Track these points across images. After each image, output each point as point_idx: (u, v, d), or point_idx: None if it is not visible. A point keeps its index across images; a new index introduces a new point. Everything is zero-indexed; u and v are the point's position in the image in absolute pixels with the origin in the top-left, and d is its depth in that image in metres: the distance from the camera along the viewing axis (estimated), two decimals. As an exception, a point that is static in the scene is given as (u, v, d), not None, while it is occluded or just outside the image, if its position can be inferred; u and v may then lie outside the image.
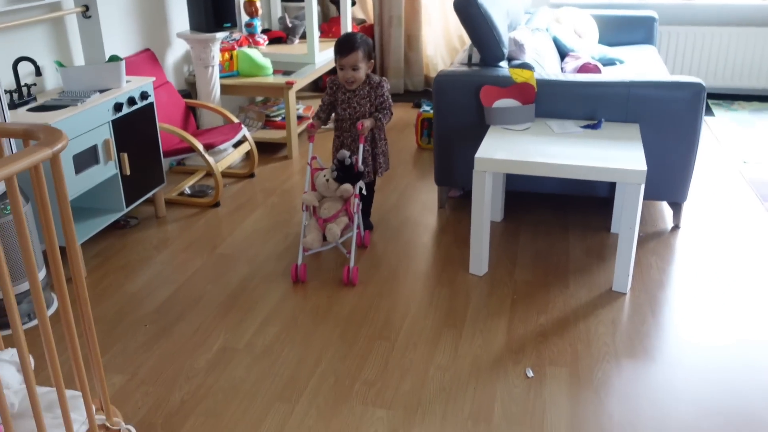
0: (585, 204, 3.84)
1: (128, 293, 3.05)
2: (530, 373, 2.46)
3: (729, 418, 2.24)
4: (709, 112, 5.51)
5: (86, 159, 3.13)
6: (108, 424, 2.06)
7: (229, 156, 4.18)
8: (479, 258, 3.11)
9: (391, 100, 3.21)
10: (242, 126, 4.19)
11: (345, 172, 2.98)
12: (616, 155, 2.92)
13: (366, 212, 3.53)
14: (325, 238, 3.03)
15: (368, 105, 3.19)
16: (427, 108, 4.85)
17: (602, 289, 3.02)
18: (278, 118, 4.92)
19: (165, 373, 2.49)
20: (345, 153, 2.99)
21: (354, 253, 3.04)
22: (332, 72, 4.67)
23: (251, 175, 4.38)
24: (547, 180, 3.58)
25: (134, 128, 3.42)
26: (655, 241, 3.44)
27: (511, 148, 3.04)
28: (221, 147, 3.99)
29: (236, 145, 4.32)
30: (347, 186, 3.00)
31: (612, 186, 3.54)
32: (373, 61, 3.19)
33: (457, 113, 3.56)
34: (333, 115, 3.32)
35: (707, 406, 2.29)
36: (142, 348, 2.65)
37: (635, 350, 2.59)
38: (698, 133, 3.34)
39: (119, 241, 3.54)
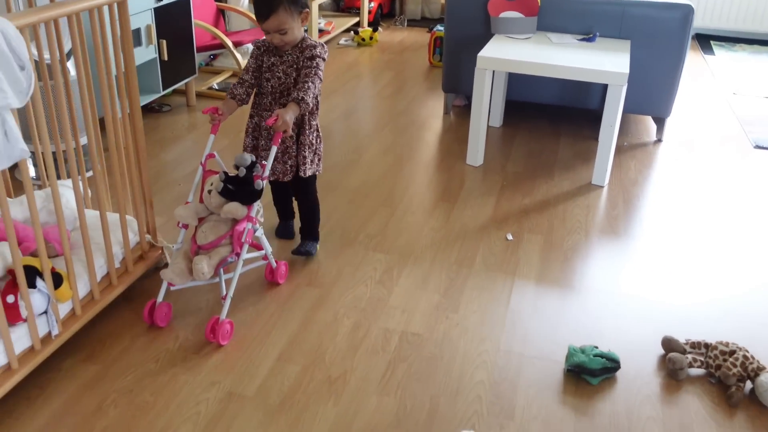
0: (578, 116, 4.18)
1: (164, 161, 3.46)
2: (510, 237, 2.86)
3: (670, 278, 2.64)
4: (709, 51, 5.77)
5: (137, 38, 3.50)
6: (153, 242, 2.48)
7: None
8: (476, 149, 3.48)
9: (321, 71, 2.32)
10: (268, 30, 4.52)
11: (237, 185, 2.14)
12: (605, 61, 3.25)
13: (309, 226, 2.66)
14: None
15: (295, 75, 2.34)
16: (440, 28, 5.16)
17: (583, 182, 3.39)
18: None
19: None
20: (246, 158, 2.17)
21: (230, 296, 2.17)
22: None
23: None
24: (544, 90, 3.92)
25: (173, 19, 3.77)
26: (636, 150, 3.79)
27: (512, 52, 3.38)
28: (248, 46, 4.33)
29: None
30: (234, 206, 2.13)
31: (602, 99, 3.88)
32: (308, 10, 2.32)
33: (466, 25, 3.89)
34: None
35: (657, 269, 2.69)
36: (175, 200, 3.05)
37: (603, 227, 2.98)
38: (685, 52, 3.66)
39: (154, 122, 3.93)
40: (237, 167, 2.17)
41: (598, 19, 3.69)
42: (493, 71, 3.47)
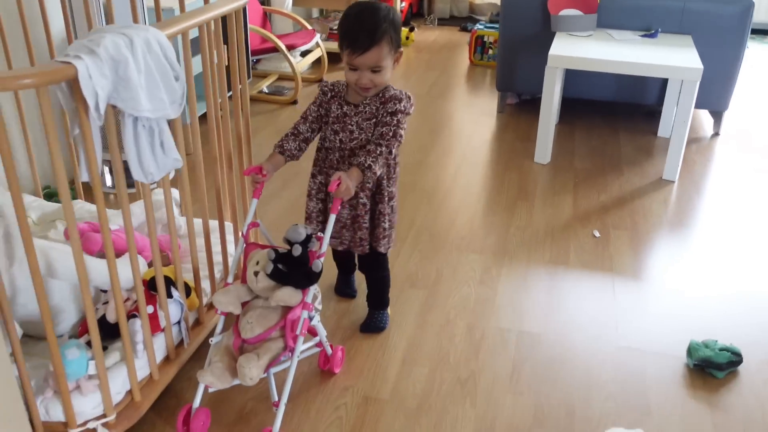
0: (632, 112, 4.20)
1: (233, 166, 3.44)
2: (597, 234, 2.87)
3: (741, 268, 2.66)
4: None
5: (195, 46, 3.48)
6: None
7: (303, 61, 4.52)
8: (545, 147, 3.49)
9: (402, 131, 1.91)
10: (316, 32, 4.52)
11: (290, 266, 1.74)
12: (675, 57, 3.27)
13: (379, 296, 2.27)
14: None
15: (372, 130, 1.93)
16: (481, 26, 5.17)
17: (653, 178, 3.41)
18: (340, 31, 5.24)
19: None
20: (300, 232, 1.77)
21: (284, 402, 1.76)
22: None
23: (320, 80, 4.73)
24: (600, 86, 3.94)
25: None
26: (696, 145, 3.81)
27: (580, 49, 3.39)
28: (298, 50, 4.33)
29: (304, 54, 4.65)
30: (287, 292, 1.73)
31: (660, 94, 3.89)
32: (402, 51, 1.93)
33: (522, 24, 3.90)
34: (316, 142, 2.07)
35: (754, 262, 2.71)
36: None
37: (687, 222, 3.00)
38: (744, 46, 3.68)
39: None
40: (289, 243, 1.78)
41: (657, 15, 3.70)
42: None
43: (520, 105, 4.36)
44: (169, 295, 1.91)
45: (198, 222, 2.32)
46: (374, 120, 1.92)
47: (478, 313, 2.36)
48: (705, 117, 4.16)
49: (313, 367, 2.08)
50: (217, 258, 2.22)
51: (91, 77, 1.36)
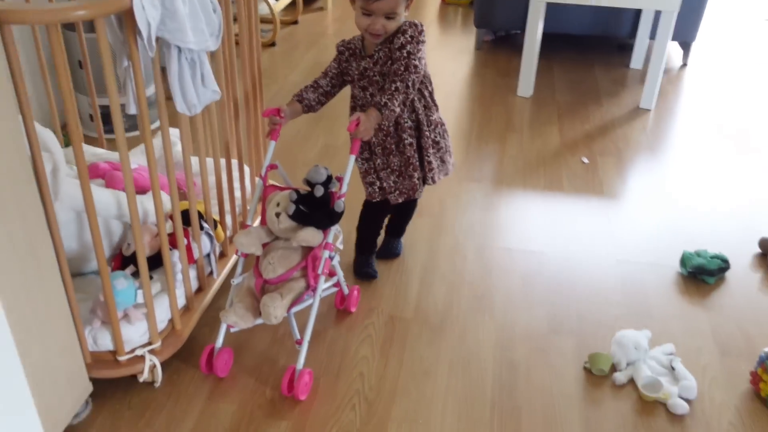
0: (605, 46, 4.33)
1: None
2: (585, 160, 3.02)
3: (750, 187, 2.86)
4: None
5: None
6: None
7: (279, 2, 4.49)
8: (528, 81, 3.60)
9: (415, 61, 1.85)
10: (290, -27, 4.48)
11: (312, 207, 1.76)
12: (651, -12, 3.39)
13: (403, 225, 2.35)
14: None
15: None
16: (451, -35, 5.19)
17: (630, 107, 3.56)
18: (311, -28, 5.19)
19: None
20: (321, 172, 1.78)
21: (307, 340, 1.78)
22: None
23: (295, 22, 4.72)
24: (576, 21, 4.03)
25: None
26: (667, 76, 3.98)
27: (559, -17, 3.48)
28: (273, -8, 4.29)
29: (279, -5, 4.61)
30: (310, 233, 1.74)
31: (633, 27, 4.02)
32: None
33: (499, -42, 3.95)
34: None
35: (729, 180, 2.90)
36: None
37: (662, 146, 3.17)
38: (712, -23, 3.82)
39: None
40: (311, 184, 1.78)
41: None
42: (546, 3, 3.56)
43: (495, 42, 4.44)
44: (201, 228, 1.98)
45: (211, 162, 2.37)
46: (390, 62, 1.89)
47: (485, 236, 2.49)
48: (674, 48, 4.32)
49: (330, 307, 2.12)
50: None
51: (144, 8, 1.39)
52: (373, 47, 1.91)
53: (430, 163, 2.03)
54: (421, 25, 1.88)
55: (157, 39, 1.50)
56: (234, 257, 2.12)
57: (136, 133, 3.05)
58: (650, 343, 1.97)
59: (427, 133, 2.01)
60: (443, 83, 3.80)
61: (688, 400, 1.80)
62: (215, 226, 2.07)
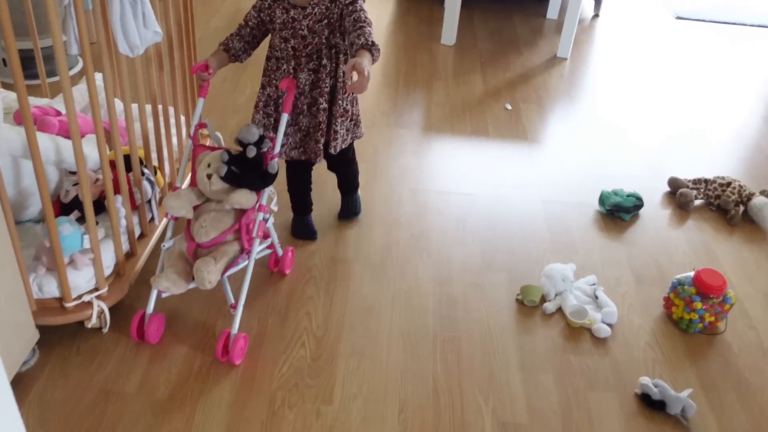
0: (522, -4, 4.47)
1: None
2: (509, 107, 3.14)
3: (650, 129, 3.06)
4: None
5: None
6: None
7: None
8: (451, 29, 3.67)
9: (368, 16, 1.81)
10: None
11: (244, 168, 1.70)
12: (568, -61, 3.51)
13: (352, 183, 2.30)
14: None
15: (327, 32, 1.84)
16: None
17: (548, 56, 3.71)
18: None
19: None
20: (254, 131, 1.69)
21: (242, 304, 1.76)
22: None
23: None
24: (496, -30, 4.13)
25: None
26: (580, 26, 4.14)
27: (481, -69, 3.54)
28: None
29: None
30: (243, 194, 1.70)
31: (549, -23, 4.15)
32: None
33: None
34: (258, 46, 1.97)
35: (637, 122, 3.10)
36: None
37: (579, 93, 3.34)
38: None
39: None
40: (242, 144, 1.70)
41: None
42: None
43: (416, -10, 4.47)
44: (141, 174, 1.96)
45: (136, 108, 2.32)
46: (327, 21, 1.81)
47: (418, 180, 2.58)
48: (586, 0, 4.49)
49: (265, 270, 2.07)
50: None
51: (88, -56, 1.36)
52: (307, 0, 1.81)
53: (336, 132, 1.97)
54: None
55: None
56: (164, 220, 2.05)
57: (56, 78, 2.93)
58: (575, 275, 2.13)
59: (340, 101, 1.94)
60: (368, 31, 3.82)
61: (610, 325, 1.97)
62: (155, 172, 2.05)
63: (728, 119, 3.22)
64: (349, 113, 2.01)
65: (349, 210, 2.32)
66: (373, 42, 1.72)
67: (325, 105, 1.92)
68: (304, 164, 2.09)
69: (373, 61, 1.71)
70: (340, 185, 2.31)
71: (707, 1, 4.67)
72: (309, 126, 1.96)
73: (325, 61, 1.87)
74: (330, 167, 2.22)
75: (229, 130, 2.77)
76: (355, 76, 1.65)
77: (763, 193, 2.54)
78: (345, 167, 2.23)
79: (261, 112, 1.97)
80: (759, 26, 4.36)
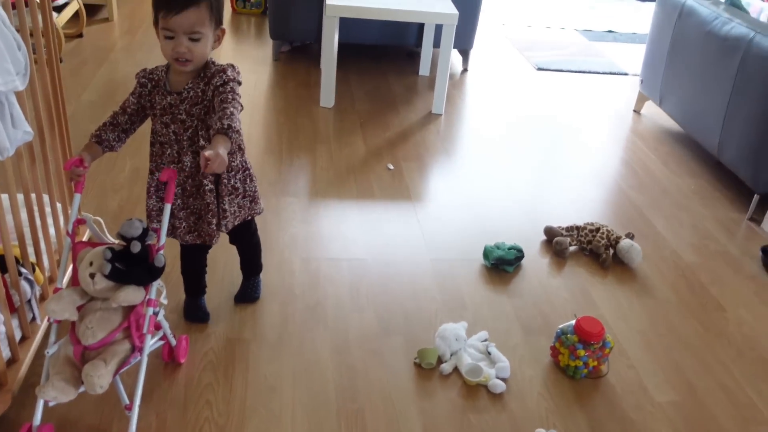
0: (396, 54, 4.63)
1: None
2: (391, 167, 3.25)
3: (527, 183, 3.26)
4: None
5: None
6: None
7: (61, 16, 4.21)
8: (329, 92, 3.76)
9: (239, 97, 1.80)
10: (69, -16, 4.22)
11: (129, 264, 1.66)
12: (435, 4, 3.70)
13: (254, 263, 2.31)
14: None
15: (203, 114, 1.84)
16: (239, -25, 5.21)
17: (424, 112, 3.87)
18: (90, -19, 4.91)
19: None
20: (136, 225, 1.68)
21: (137, 404, 1.69)
22: None
23: (80, 35, 4.46)
24: (368, 32, 4.27)
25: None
26: (451, 81, 4.37)
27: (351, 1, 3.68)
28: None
29: (59, 9, 4.33)
30: (131, 292, 1.65)
31: (419, 37, 4.35)
32: (224, 29, 1.86)
33: (290, -28, 4.06)
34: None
35: (511, 176, 3.29)
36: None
37: (455, 148, 3.51)
38: (482, -9, 4.26)
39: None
40: (125, 239, 1.67)
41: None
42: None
43: (292, 52, 4.56)
44: (19, 273, 1.87)
45: (6, 198, 2.22)
46: (202, 103, 1.82)
47: (309, 249, 2.60)
48: (455, 56, 4.73)
49: (158, 360, 2.01)
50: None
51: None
52: (183, 84, 1.82)
53: (224, 210, 1.95)
54: (237, 67, 1.86)
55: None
56: (44, 324, 1.95)
57: None
58: (467, 332, 2.22)
59: (225, 180, 1.92)
60: (246, 95, 3.84)
61: (504, 379, 2.06)
62: (33, 269, 1.96)
63: (591, 163, 3.48)
64: (240, 191, 2.00)
65: (248, 294, 2.30)
66: (228, 125, 1.69)
67: (210, 186, 1.91)
68: (199, 246, 2.07)
69: (231, 142, 1.70)
70: (242, 265, 2.29)
71: (563, 53, 5.06)
72: (200, 208, 1.95)
73: (203, 143, 1.86)
74: (231, 241, 2.22)
75: (110, 211, 2.69)
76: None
77: (627, 235, 2.76)
78: (245, 242, 2.23)
79: (153, 197, 1.95)
80: (609, 73, 4.76)
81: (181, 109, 1.83)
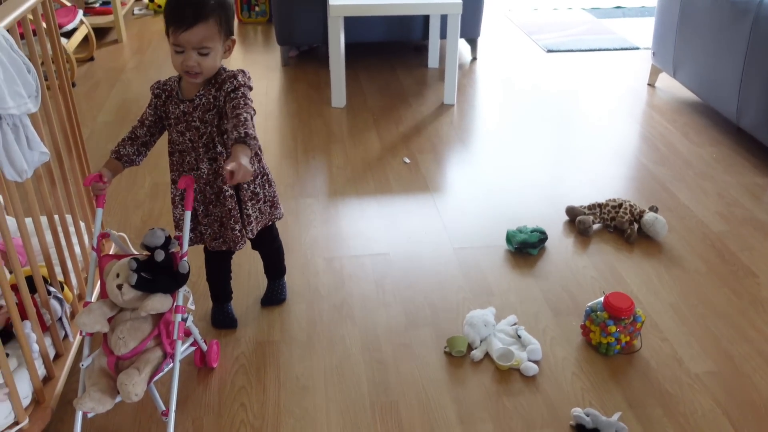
0: (402, 49, 4.63)
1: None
2: (407, 160, 3.24)
3: (542, 164, 3.23)
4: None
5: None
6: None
7: (71, 41, 4.27)
8: (339, 92, 3.77)
9: (251, 102, 1.80)
10: (77, 9, 4.28)
11: (155, 273, 1.70)
12: (436, -5, 3.70)
13: (277, 266, 2.34)
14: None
15: (216, 120, 1.85)
16: (242, -16, 5.24)
17: (436, 104, 3.86)
18: (97, 4, 4.98)
19: (112, 208, 2.86)
20: (158, 234, 1.73)
21: (173, 410, 1.70)
22: None
23: (91, 59, 4.52)
24: (373, 29, 4.28)
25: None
26: (461, 71, 4.35)
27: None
28: (61, 30, 4.08)
29: (68, 35, 4.39)
30: (158, 300, 1.68)
31: (425, 30, 4.34)
32: (234, 39, 1.87)
33: (292, -23, 4.08)
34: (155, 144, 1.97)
35: (529, 160, 3.27)
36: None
37: (470, 137, 3.49)
38: (485, -22, 4.24)
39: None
40: (149, 249, 1.71)
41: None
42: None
43: (300, 56, 4.57)
44: (48, 293, 1.90)
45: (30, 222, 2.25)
46: (215, 110, 1.83)
47: (331, 247, 2.61)
48: (463, 45, 4.71)
49: (191, 367, 2.04)
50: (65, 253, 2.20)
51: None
52: (194, 91, 1.84)
53: (249, 216, 1.98)
54: (248, 72, 1.86)
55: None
56: (77, 339, 1.99)
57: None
58: (496, 317, 2.21)
59: (245, 185, 1.94)
60: (259, 103, 3.87)
61: (536, 362, 2.05)
62: (62, 288, 1.99)
63: (609, 140, 3.45)
64: (260, 196, 2.01)
65: (274, 297, 2.32)
66: (246, 133, 1.68)
67: (230, 191, 1.93)
68: (223, 252, 2.09)
69: (251, 150, 1.69)
70: (266, 269, 2.32)
71: (572, 33, 5.01)
72: (222, 215, 1.97)
73: (220, 149, 1.88)
74: (254, 246, 2.23)
75: (132, 226, 2.72)
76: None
77: (651, 208, 2.73)
78: (267, 247, 2.24)
79: (179, 206, 1.97)
80: (620, 49, 4.71)
81: (195, 117, 1.85)
